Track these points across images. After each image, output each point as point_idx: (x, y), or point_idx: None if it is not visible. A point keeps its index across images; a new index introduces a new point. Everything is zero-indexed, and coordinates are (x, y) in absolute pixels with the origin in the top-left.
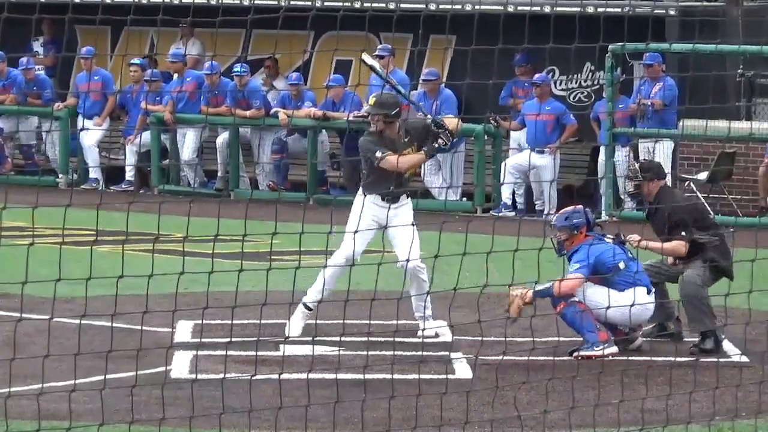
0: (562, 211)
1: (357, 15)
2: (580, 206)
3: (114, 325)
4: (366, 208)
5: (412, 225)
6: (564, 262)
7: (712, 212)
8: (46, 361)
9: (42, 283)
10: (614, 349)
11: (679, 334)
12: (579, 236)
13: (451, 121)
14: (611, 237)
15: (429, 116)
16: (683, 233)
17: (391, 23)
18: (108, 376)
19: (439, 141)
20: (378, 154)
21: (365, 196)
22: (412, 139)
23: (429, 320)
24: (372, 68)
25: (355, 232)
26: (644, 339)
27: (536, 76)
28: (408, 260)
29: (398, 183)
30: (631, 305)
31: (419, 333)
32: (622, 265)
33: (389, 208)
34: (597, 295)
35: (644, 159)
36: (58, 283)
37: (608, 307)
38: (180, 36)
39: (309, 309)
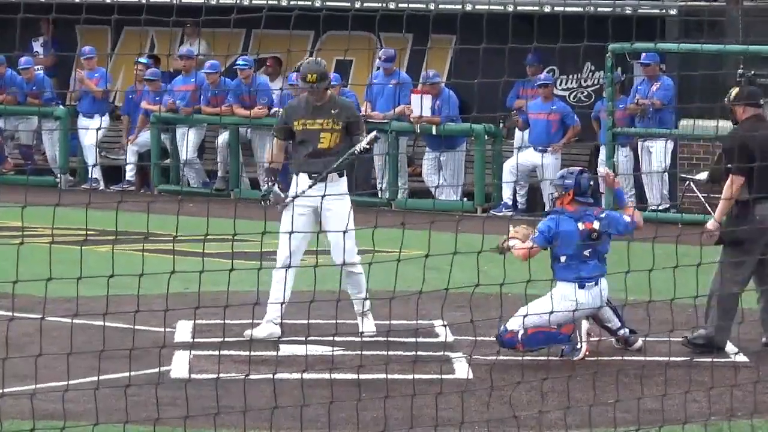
0: (564, 169)
1: (357, 15)
2: (579, 169)
3: (113, 325)
4: (296, 190)
5: (344, 216)
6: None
7: None
8: (44, 361)
9: (42, 283)
10: (586, 324)
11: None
12: (566, 197)
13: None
14: (590, 222)
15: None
16: (726, 167)
17: (391, 23)
18: (106, 377)
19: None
20: (273, 127)
21: (296, 175)
22: (340, 114)
23: (368, 317)
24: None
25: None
26: (643, 339)
27: (541, 75)
28: (343, 259)
29: (325, 159)
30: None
31: (359, 333)
32: (563, 259)
33: (318, 187)
34: (536, 308)
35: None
36: (58, 282)
37: (551, 312)
38: (182, 35)
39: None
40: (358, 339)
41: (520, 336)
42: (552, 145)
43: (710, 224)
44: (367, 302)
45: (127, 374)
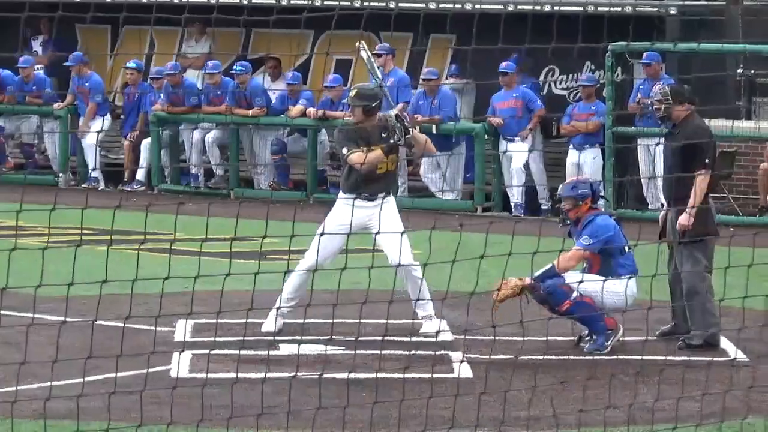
0: (569, 180)
1: (356, 14)
2: (588, 177)
3: (109, 324)
4: (343, 209)
5: (397, 221)
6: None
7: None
8: (43, 361)
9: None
10: (621, 331)
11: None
12: (583, 207)
13: (419, 136)
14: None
15: (393, 110)
16: (699, 161)
17: (391, 22)
18: (99, 377)
19: (395, 136)
20: (344, 150)
21: (344, 195)
22: (389, 135)
23: (429, 320)
24: (366, 60)
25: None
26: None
27: (502, 64)
28: (399, 261)
29: (373, 179)
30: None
31: (420, 331)
32: (627, 249)
33: (368, 207)
34: (591, 289)
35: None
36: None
37: (604, 286)
38: (181, 35)
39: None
40: (344, 339)
41: (574, 296)
42: (520, 132)
43: (684, 219)
44: (429, 306)
45: (124, 374)
